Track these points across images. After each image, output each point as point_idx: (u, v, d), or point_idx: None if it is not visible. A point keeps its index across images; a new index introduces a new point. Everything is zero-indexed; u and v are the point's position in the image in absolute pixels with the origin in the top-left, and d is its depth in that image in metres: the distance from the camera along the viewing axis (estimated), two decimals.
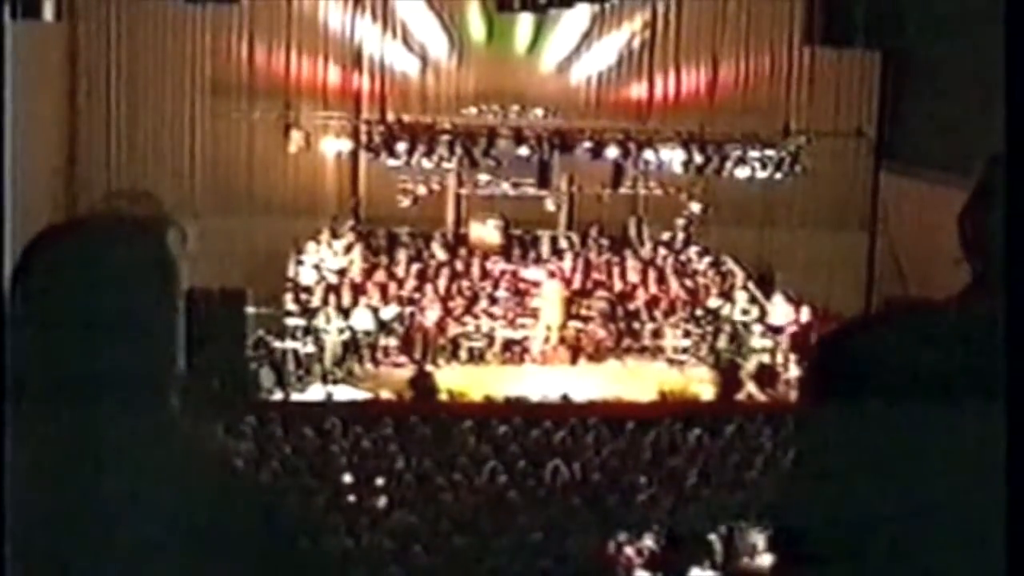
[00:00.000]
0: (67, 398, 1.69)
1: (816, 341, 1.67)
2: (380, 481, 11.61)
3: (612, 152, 19.30)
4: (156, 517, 1.69)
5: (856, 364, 1.57)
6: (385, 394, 15.88)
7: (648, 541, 10.01)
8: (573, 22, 19.39)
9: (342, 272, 18.04)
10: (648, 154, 19.30)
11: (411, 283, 17.86)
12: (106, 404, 1.70)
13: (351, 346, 16.82)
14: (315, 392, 16.01)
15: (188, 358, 1.80)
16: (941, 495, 1.51)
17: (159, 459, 1.72)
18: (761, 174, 19.50)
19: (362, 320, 16.94)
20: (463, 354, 17.13)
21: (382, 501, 11.21)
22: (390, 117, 19.34)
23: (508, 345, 17.28)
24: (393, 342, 16.98)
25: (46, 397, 1.69)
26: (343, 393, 15.91)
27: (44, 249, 1.76)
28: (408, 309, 17.30)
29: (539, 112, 19.42)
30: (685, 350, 17.44)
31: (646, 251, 19.19)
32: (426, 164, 19.06)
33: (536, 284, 17.97)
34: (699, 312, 17.77)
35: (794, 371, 16.83)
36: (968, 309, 1.60)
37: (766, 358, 17.24)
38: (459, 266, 18.35)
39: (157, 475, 1.72)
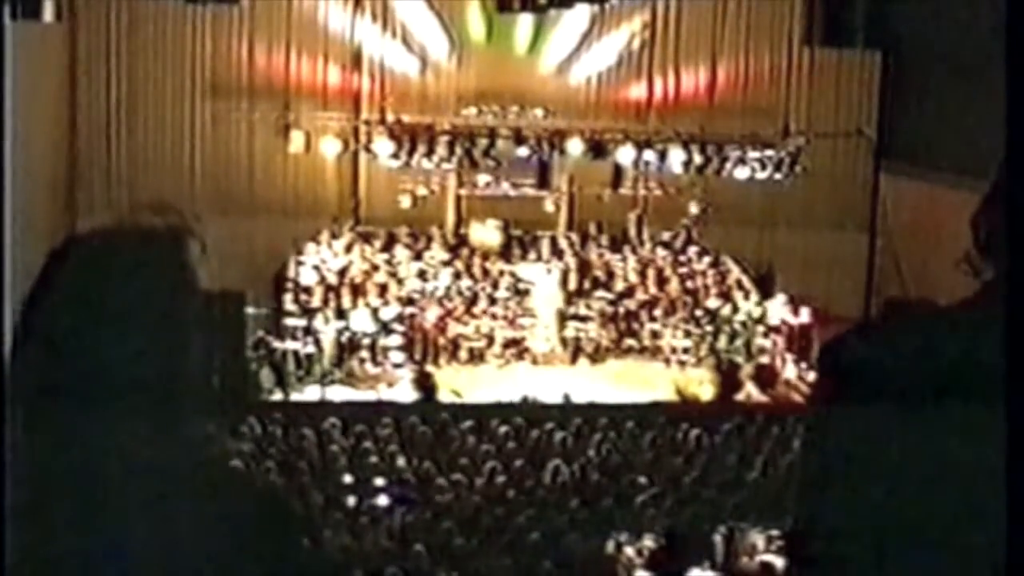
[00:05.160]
0: (83, 403, 1.70)
1: (830, 344, 1.66)
2: (380, 481, 11.61)
3: (612, 152, 19.31)
4: (159, 516, 1.70)
5: (874, 368, 1.57)
6: (385, 394, 15.89)
7: (648, 541, 10.01)
8: (573, 22, 19.39)
9: (342, 272, 18.05)
10: (648, 154, 19.31)
11: (411, 283, 17.87)
12: (122, 408, 1.71)
13: (351, 346, 16.83)
14: (315, 392, 16.03)
15: (189, 359, 1.82)
16: (947, 497, 1.51)
17: (166, 462, 1.74)
18: (761, 174, 19.51)
19: (362, 320, 16.95)
20: (463, 354, 17.14)
21: (382, 501, 11.22)
22: (390, 117, 19.34)
23: (508, 345, 17.30)
24: (393, 342, 16.98)
25: (63, 401, 1.71)
26: (343, 393, 15.92)
27: (67, 258, 1.78)
28: (408, 309, 17.31)
29: (539, 112, 19.43)
30: (685, 350, 17.46)
31: (646, 251, 19.20)
32: (426, 164, 19.07)
33: (533, 283, 18.00)
34: (699, 312, 17.78)
35: (793, 371, 16.85)
36: (984, 312, 1.60)
37: (765, 358, 17.26)
38: (459, 266, 18.36)
39: (161, 476, 1.73)
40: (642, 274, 18.51)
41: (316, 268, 18.05)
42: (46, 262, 1.76)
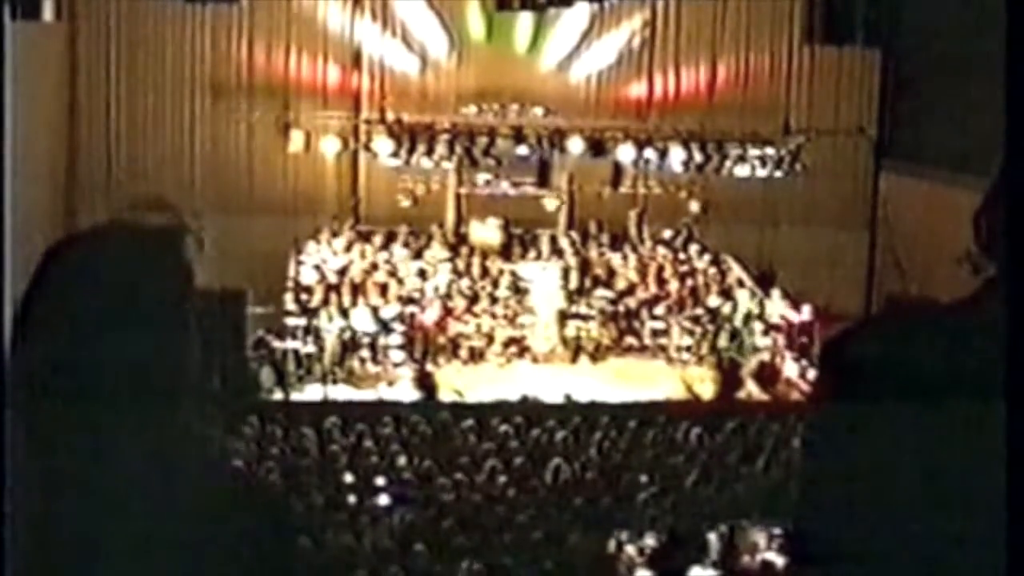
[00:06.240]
0: (82, 401, 1.70)
1: (830, 342, 1.66)
2: (381, 480, 11.61)
3: (612, 151, 19.31)
4: (160, 516, 1.70)
5: (871, 366, 1.57)
6: (386, 393, 15.89)
7: (649, 540, 10.00)
8: (573, 21, 19.39)
9: (342, 272, 18.05)
10: (648, 153, 19.30)
11: (411, 282, 17.86)
12: (120, 407, 1.71)
13: (351, 346, 16.82)
14: (315, 392, 16.02)
15: (187, 356, 1.81)
16: (946, 495, 1.51)
17: (167, 461, 1.73)
18: (761, 172, 19.51)
19: (362, 320, 16.94)
20: (463, 353, 17.14)
21: (383, 500, 11.21)
22: (390, 116, 19.34)
23: (508, 344, 17.29)
24: (393, 341, 16.98)
25: (61, 399, 1.70)
26: (343, 393, 15.91)
27: (64, 256, 1.78)
28: (408, 308, 17.30)
29: (539, 111, 19.42)
30: (686, 348, 17.45)
31: (646, 249, 19.20)
32: (426, 163, 19.06)
33: (531, 281, 17.99)
34: (699, 311, 17.77)
35: (794, 369, 16.84)
36: (985, 310, 1.59)
37: (766, 356, 17.25)
38: (459, 265, 18.35)
39: (162, 475, 1.72)
40: (642, 272, 18.49)
41: (317, 267, 18.05)
42: (42, 260, 1.76)
